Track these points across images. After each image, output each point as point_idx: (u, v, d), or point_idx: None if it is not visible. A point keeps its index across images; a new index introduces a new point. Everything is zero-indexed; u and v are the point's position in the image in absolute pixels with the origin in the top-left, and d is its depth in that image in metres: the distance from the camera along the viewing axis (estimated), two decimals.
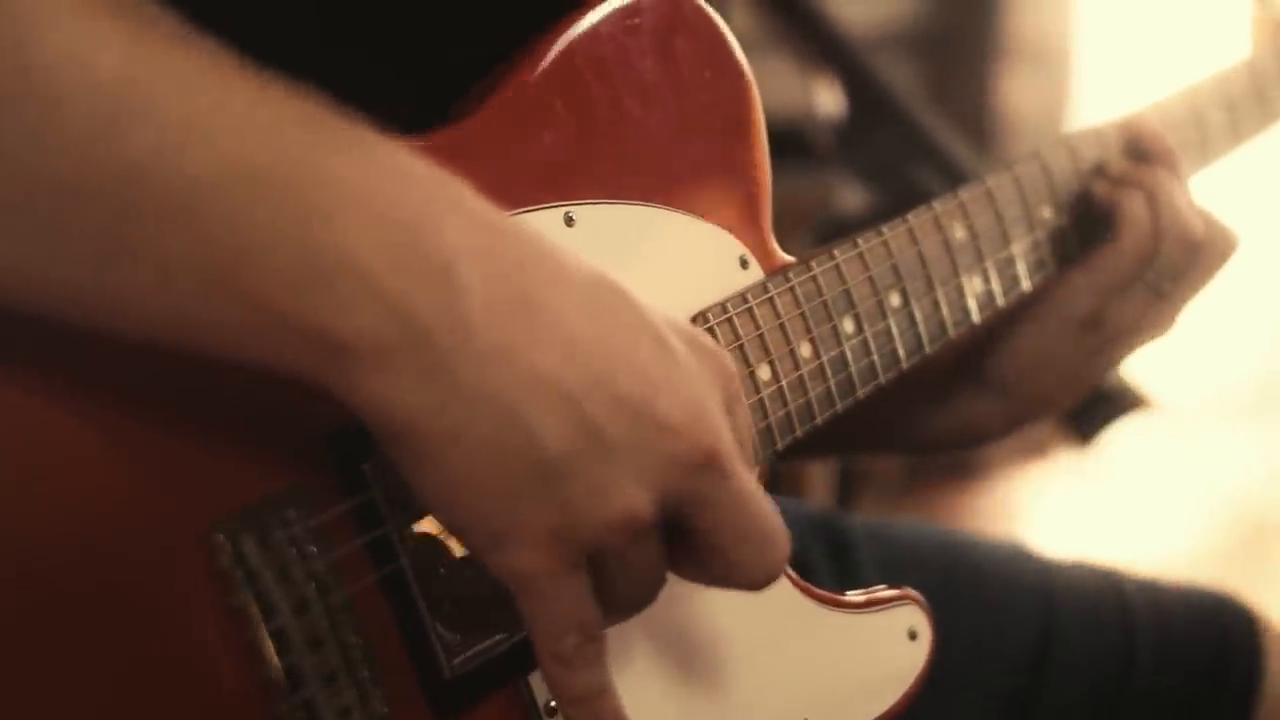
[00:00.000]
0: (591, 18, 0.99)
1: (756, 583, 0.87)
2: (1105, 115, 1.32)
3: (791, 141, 2.18)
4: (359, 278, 0.76)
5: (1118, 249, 1.23)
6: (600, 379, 0.80)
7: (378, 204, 0.77)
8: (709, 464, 0.82)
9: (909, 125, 2.10)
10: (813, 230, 2.09)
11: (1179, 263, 1.24)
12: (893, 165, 2.08)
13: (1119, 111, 1.33)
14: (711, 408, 0.84)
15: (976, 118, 4.52)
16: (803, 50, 2.19)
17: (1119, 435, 2.16)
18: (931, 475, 4.17)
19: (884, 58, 2.25)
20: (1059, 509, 4.41)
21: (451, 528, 0.82)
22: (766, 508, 0.85)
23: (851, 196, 2.18)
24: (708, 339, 0.88)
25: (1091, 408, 2.01)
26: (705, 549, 0.85)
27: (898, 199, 2.03)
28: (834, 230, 2.06)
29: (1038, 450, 4.18)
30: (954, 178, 2.06)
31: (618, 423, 0.80)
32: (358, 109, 0.80)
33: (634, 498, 0.80)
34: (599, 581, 0.83)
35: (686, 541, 0.85)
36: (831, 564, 1.38)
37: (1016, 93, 4.69)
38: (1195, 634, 1.43)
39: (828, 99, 2.15)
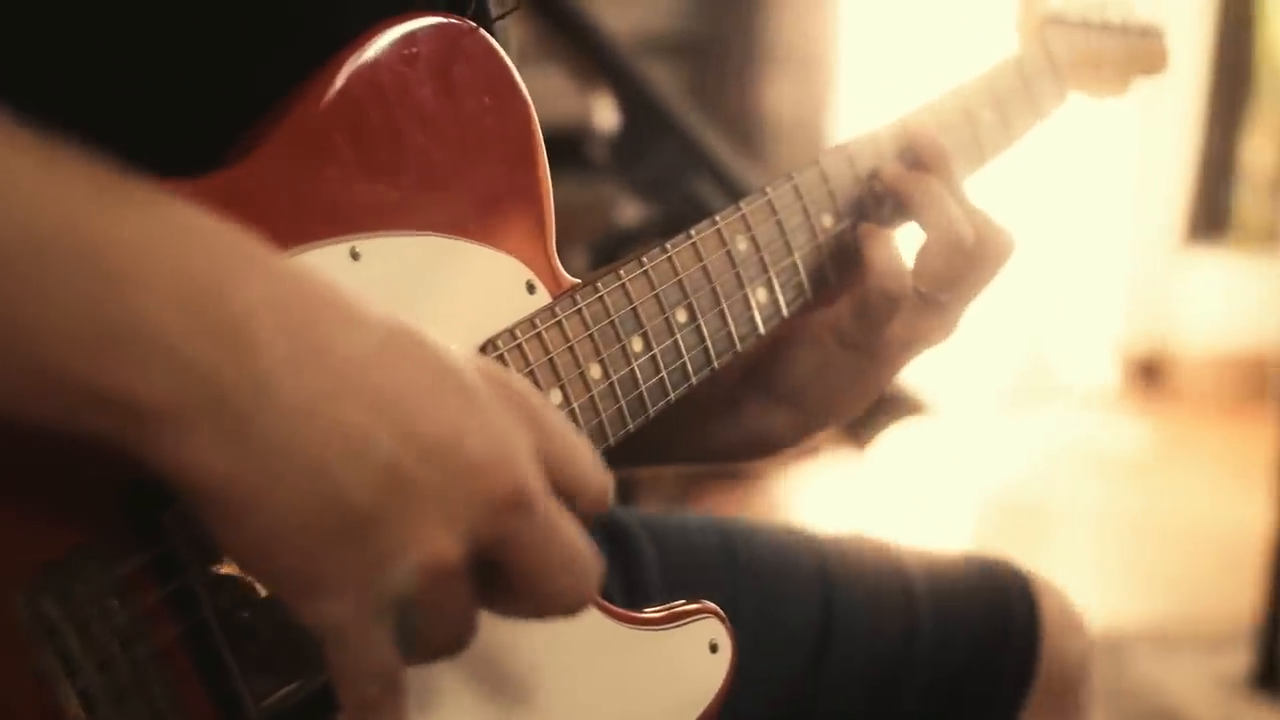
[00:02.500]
0: (369, 49, 0.98)
1: (569, 610, 0.87)
2: (865, 117, 1.33)
3: (568, 153, 2.18)
4: (153, 341, 0.74)
5: None
6: (404, 428, 0.79)
7: (169, 266, 0.75)
8: (517, 503, 0.82)
9: (683, 137, 2.11)
10: (592, 244, 2.09)
11: (952, 271, 1.24)
12: (669, 177, 2.09)
13: (879, 113, 1.33)
14: (516, 447, 0.83)
15: (740, 122, 4.58)
16: (577, 62, 2.19)
17: (892, 437, 2.20)
18: (706, 479, 4.21)
19: (648, 64, 2.26)
20: (831, 507, 4.48)
21: (259, 580, 0.81)
22: (575, 535, 0.85)
23: (629, 209, 2.18)
24: (511, 376, 0.88)
25: (867, 414, 2.03)
26: (518, 584, 0.85)
27: (675, 211, 2.05)
28: (613, 243, 2.06)
29: (809, 450, 4.25)
30: (729, 188, 2.07)
31: (424, 470, 0.79)
32: (135, 154, 0.79)
33: (442, 543, 0.80)
34: (410, 627, 0.82)
35: (498, 579, 0.85)
36: (616, 564, 1.38)
37: (778, 97, 4.76)
38: (974, 600, 1.45)
39: (604, 111, 2.15)
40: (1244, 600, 3.64)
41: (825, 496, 4.51)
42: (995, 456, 4.98)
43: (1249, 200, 5.61)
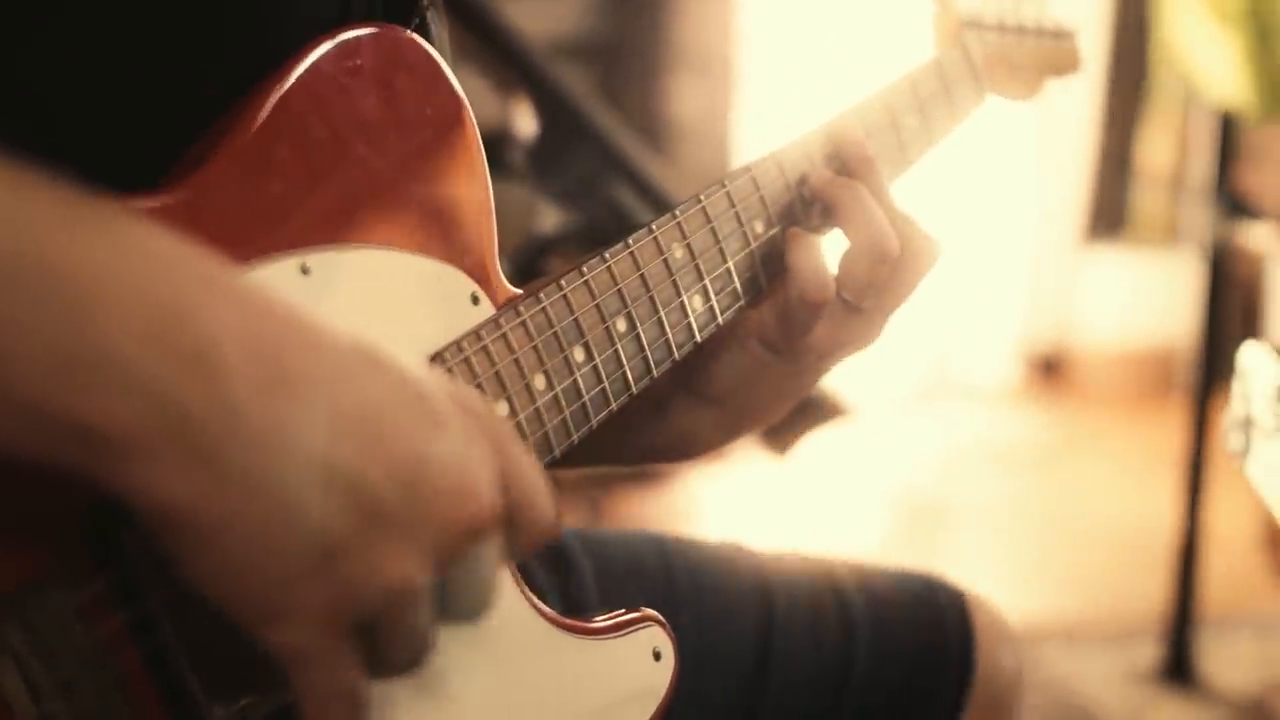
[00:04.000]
0: (311, 60, 0.97)
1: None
2: (770, 120, 1.32)
3: (490, 159, 2.17)
4: (119, 368, 0.73)
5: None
6: (372, 453, 0.79)
7: (134, 291, 0.75)
8: (480, 529, 0.83)
9: (602, 143, 2.10)
10: (512, 250, 2.08)
11: (876, 278, 1.24)
12: (588, 183, 2.08)
13: (783, 115, 1.32)
14: (480, 470, 0.84)
15: (645, 124, 4.58)
16: (494, 67, 2.18)
17: (811, 441, 2.20)
18: (621, 480, 4.21)
19: (557, 67, 2.25)
20: (741, 507, 4.49)
21: (222, 607, 0.80)
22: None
23: (549, 215, 2.18)
24: (474, 396, 0.88)
25: (788, 419, 2.03)
26: (450, 596, 0.86)
27: (595, 217, 2.04)
28: (533, 250, 2.06)
29: (722, 452, 4.25)
30: (649, 194, 2.07)
31: (391, 495, 0.79)
32: (75, 173, 0.78)
33: (409, 566, 0.80)
34: (372, 646, 0.83)
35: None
36: (553, 577, 1.38)
37: (683, 99, 4.77)
38: (909, 617, 1.46)
39: (523, 117, 2.14)
40: (1151, 594, 3.69)
41: (735, 497, 4.52)
42: (899, 455, 5.01)
43: (1147, 198, 5.68)
